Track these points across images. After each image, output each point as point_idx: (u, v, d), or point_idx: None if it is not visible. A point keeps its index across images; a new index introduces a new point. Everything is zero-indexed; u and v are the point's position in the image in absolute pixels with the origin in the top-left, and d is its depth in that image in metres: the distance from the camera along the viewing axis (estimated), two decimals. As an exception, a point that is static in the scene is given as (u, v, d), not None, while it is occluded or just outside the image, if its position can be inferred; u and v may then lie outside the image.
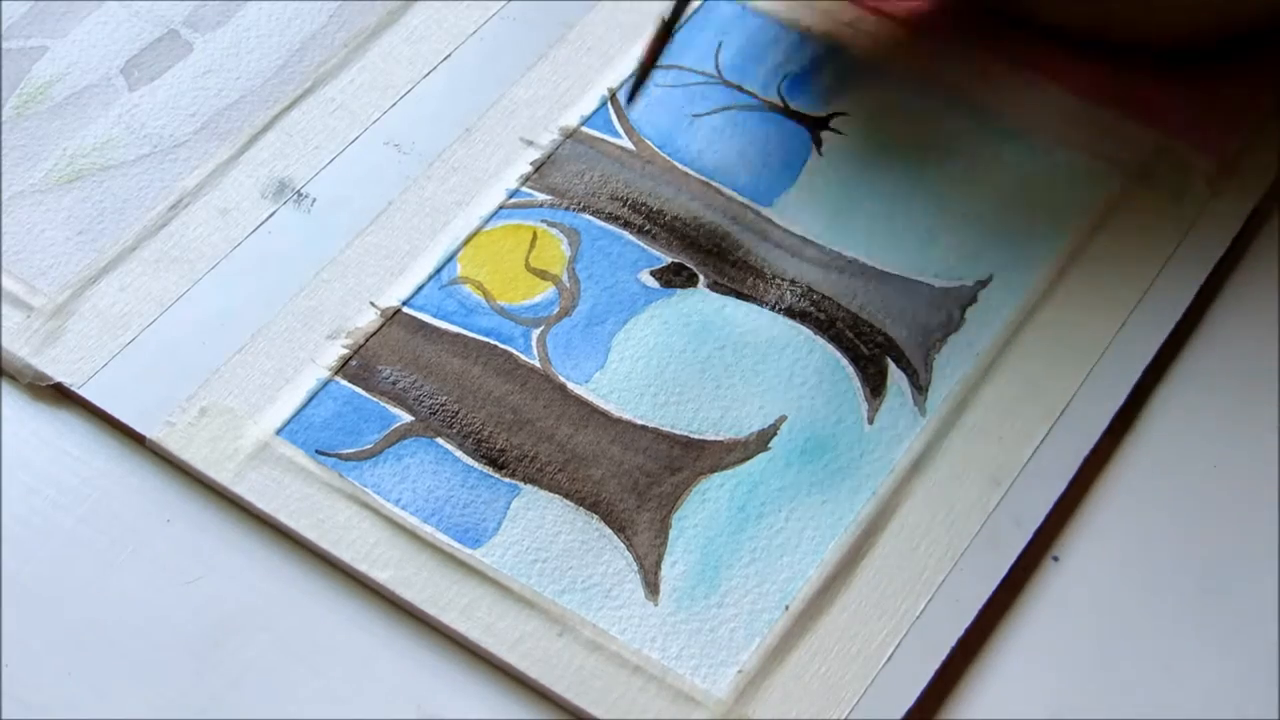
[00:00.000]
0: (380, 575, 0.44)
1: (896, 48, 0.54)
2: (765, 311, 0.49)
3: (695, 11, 0.55)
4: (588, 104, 0.53)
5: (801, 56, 0.54)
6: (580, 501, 0.45)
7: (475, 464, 0.46)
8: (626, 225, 0.51)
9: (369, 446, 0.46)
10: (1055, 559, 0.44)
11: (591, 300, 0.49)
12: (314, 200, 0.51)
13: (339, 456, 0.46)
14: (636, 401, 0.47)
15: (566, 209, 0.51)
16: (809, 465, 0.46)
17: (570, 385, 0.47)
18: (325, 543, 0.44)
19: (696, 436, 0.46)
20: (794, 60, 0.54)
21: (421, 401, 0.47)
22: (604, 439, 0.46)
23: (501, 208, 0.51)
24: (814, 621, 0.43)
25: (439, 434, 0.46)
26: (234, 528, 0.45)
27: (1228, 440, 0.46)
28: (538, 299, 0.49)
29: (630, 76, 0.51)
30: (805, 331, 0.48)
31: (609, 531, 0.45)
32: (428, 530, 0.44)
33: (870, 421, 0.47)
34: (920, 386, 0.47)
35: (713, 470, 0.46)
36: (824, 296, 0.49)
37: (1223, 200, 0.51)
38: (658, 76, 0.54)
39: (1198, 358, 0.48)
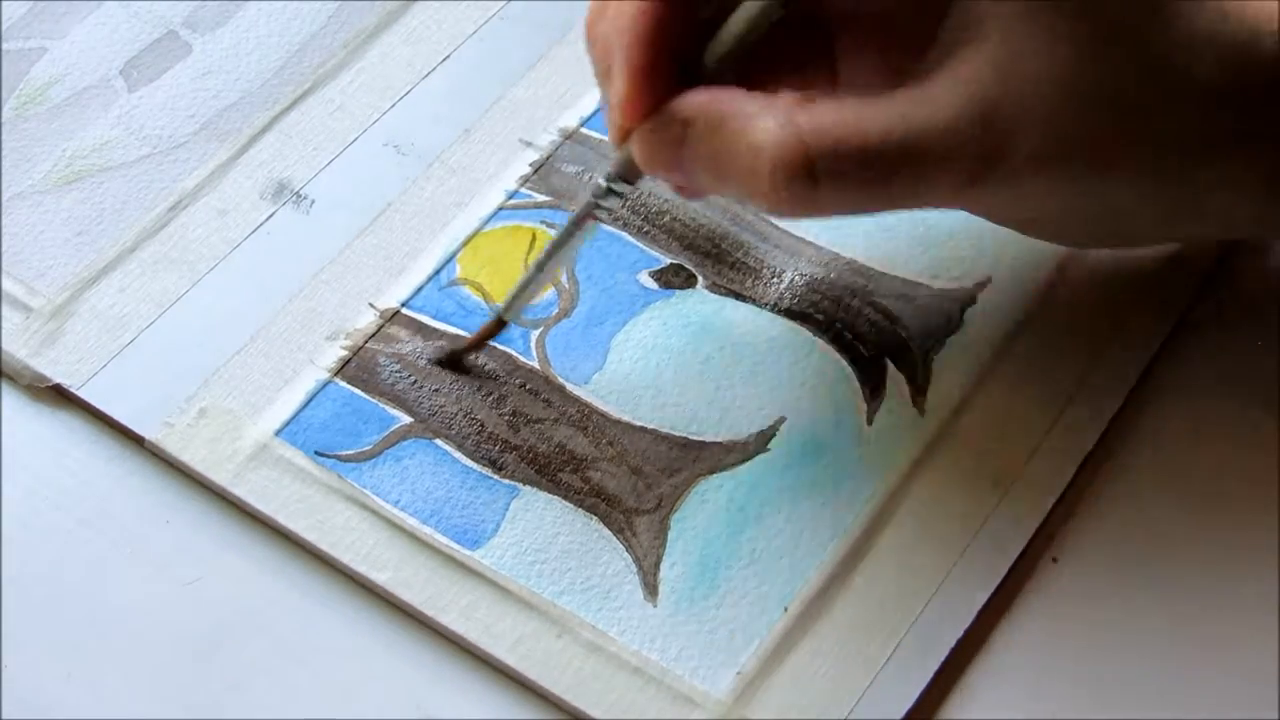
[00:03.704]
0: (379, 576, 0.44)
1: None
2: (764, 312, 0.49)
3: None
4: (587, 105, 0.53)
5: (801, 57, 0.54)
6: (579, 503, 0.45)
7: (474, 465, 0.46)
8: (625, 226, 0.51)
9: (368, 448, 0.46)
10: (1054, 560, 0.44)
11: (590, 301, 0.49)
12: (313, 201, 0.51)
13: (338, 458, 0.46)
14: (635, 402, 0.47)
15: (566, 210, 0.51)
16: (808, 466, 0.46)
17: (569, 386, 0.47)
18: (324, 544, 0.44)
19: (695, 438, 0.46)
20: (793, 61, 0.54)
21: (420, 403, 0.47)
22: (603, 440, 0.46)
23: (501, 209, 0.51)
24: (813, 623, 0.43)
25: (438, 435, 0.46)
26: (233, 529, 0.45)
27: (1228, 440, 0.46)
28: (537, 300, 0.49)
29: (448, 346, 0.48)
30: (804, 332, 0.48)
31: (608, 533, 0.45)
32: (427, 531, 0.44)
33: (869, 423, 0.47)
34: (920, 387, 0.47)
35: (712, 471, 0.46)
36: (823, 297, 0.49)
37: (1222, 201, 0.51)
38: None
39: (1199, 358, 0.48)
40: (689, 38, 0.40)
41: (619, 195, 0.44)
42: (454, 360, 0.47)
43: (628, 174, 0.43)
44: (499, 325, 0.47)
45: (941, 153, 0.39)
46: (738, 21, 0.41)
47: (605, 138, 0.52)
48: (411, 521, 0.45)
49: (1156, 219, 0.43)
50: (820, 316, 0.49)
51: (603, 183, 0.44)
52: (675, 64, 0.40)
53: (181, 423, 0.46)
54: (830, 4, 0.43)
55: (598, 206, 0.44)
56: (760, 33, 0.40)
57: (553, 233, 0.50)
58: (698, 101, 0.40)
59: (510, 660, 0.42)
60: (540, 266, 0.45)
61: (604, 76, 0.42)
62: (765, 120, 0.39)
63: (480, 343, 0.47)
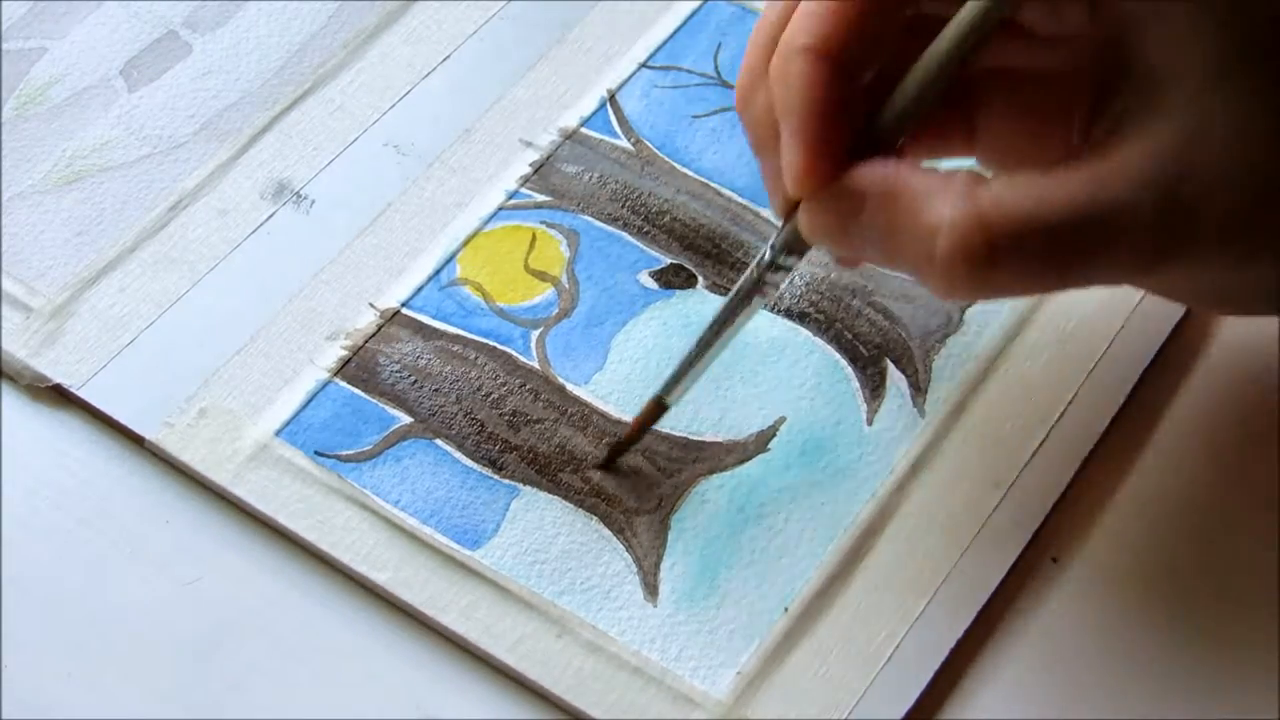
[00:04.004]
0: (379, 576, 0.44)
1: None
2: (764, 313, 0.49)
3: (695, 12, 0.55)
4: (587, 105, 0.53)
5: (801, 57, 0.54)
6: (579, 503, 0.45)
7: (474, 465, 0.46)
8: (625, 226, 0.51)
9: (368, 448, 0.46)
10: (1054, 560, 0.44)
11: (590, 301, 0.49)
12: (313, 201, 0.51)
13: (338, 458, 0.46)
14: (636, 403, 0.47)
15: (566, 210, 0.51)
16: (808, 466, 0.46)
17: (569, 386, 0.47)
18: (324, 544, 0.44)
19: (695, 438, 0.46)
20: (793, 61, 0.54)
21: (421, 402, 0.47)
22: (603, 440, 0.46)
23: (501, 209, 0.51)
24: (813, 623, 0.43)
25: (438, 435, 0.46)
26: (233, 529, 0.45)
27: (1228, 440, 0.46)
28: (537, 300, 0.49)
29: (611, 444, 0.46)
30: (804, 333, 0.48)
31: (608, 533, 0.45)
32: (427, 531, 0.44)
33: (869, 423, 0.47)
34: (919, 388, 0.47)
35: (712, 472, 0.46)
36: (823, 297, 0.49)
37: (1222, 201, 0.51)
38: (657, 78, 0.54)
39: (1198, 359, 0.48)
40: (855, 105, 0.39)
41: (785, 269, 0.42)
42: (613, 456, 0.45)
43: (795, 246, 0.41)
44: (659, 408, 0.45)
45: (1127, 230, 0.36)
46: (917, 78, 0.38)
47: (605, 137, 0.52)
48: (411, 521, 0.45)
49: None
50: (820, 316, 0.49)
51: (768, 255, 0.41)
52: (846, 134, 0.38)
53: (181, 423, 0.46)
54: (983, 62, 0.41)
55: (762, 281, 0.42)
56: (940, 89, 0.38)
57: (553, 234, 0.50)
58: (872, 176, 0.38)
59: (510, 660, 0.42)
60: (704, 345, 0.43)
61: (763, 146, 0.41)
62: (942, 201, 0.37)
63: (639, 432, 0.45)
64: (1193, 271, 0.38)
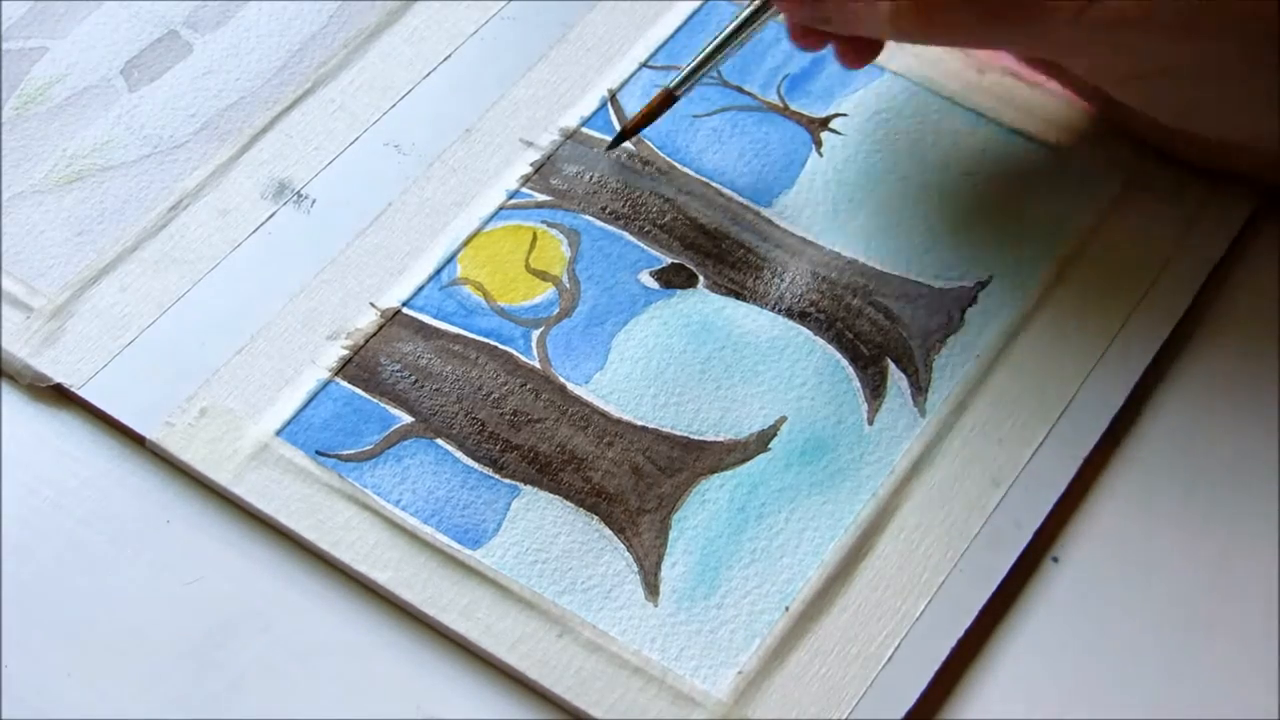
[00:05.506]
0: (380, 576, 0.44)
1: (897, 48, 0.54)
2: (765, 312, 0.49)
3: (695, 12, 0.55)
4: (587, 104, 0.53)
5: (801, 57, 0.54)
6: (580, 502, 0.45)
7: (475, 465, 0.46)
8: (626, 226, 0.51)
9: (369, 447, 0.46)
10: (1055, 560, 0.44)
11: (591, 301, 0.49)
12: (314, 201, 0.51)
13: (339, 457, 0.46)
14: (636, 402, 0.47)
15: (566, 210, 0.51)
16: (809, 466, 0.46)
17: (570, 386, 0.47)
18: (325, 543, 0.44)
19: (696, 437, 0.46)
20: (794, 61, 0.54)
21: (421, 402, 0.47)
22: (604, 440, 0.46)
23: (501, 208, 0.51)
24: (814, 622, 0.43)
25: (439, 435, 0.46)
26: (234, 528, 0.45)
27: (1227, 441, 0.46)
28: (538, 300, 0.49)
29: (619, 133, 0.52)
30: (805, 332, 0.48)
31: (609, 532, 0.45)
32: (427, 531, 0.44)
33: (870, 422, 0.47)
34: (920, 387, 0.47)
35: (712, 471, 0.46)
36: (824, 297, 0.49)
37: (1221, 200, 0.51)
38: (657, 78, 0.54)
39: (1197, 358, 0.48)
40: None
41: None
42: (620, 139, 0.51)
43: None
44: (668, 99, 0.51)
45: None
46: None
47: (605, 137, 0.52)
48: (412, 521, 0.45)
49: (1230, 94, 0.45)
50: (821, 316, 0.49)
51: None
52: None
53: (182, 422, 0.46)
54: None
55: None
56: None
57: (554, 233, 0.51)
58: None
59: (510, 660, 0.42)
60: (718, 47, 0.50)
61: None
62: None
63: (647, 120, 0.51)
64: (1113, 34, 0.44)
